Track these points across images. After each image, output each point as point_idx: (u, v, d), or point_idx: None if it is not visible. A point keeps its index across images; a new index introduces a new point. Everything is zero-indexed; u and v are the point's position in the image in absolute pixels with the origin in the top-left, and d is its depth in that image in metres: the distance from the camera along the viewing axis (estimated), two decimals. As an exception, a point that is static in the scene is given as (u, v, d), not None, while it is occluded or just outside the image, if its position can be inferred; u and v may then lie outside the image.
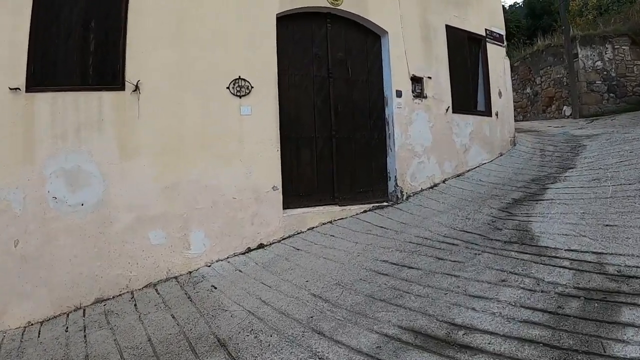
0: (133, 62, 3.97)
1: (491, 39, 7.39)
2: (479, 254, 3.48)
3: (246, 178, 4.46)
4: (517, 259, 3.23)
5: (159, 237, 3.90)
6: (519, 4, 19.34)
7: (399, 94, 5.77)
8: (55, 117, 3.67)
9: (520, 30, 17.39)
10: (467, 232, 4.17)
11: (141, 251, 3.81)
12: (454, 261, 3.44)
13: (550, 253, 3.22)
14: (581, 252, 3.11)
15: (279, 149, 4.81)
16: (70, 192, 3.63)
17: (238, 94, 4.60)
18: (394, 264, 3.64)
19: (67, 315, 3.43)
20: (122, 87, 3.92)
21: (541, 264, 3.06)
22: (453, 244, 3.86)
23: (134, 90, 3.94)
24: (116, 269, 3.70)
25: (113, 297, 3.64)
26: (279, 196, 4.73)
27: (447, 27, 6.59)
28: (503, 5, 9.00)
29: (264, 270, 3.91)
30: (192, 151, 4.16)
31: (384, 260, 3.75)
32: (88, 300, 3.60)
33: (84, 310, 3.50)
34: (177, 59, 4.17)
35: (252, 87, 4.66)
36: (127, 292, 3.72)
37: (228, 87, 4.55)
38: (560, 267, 2.95)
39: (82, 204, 3.65)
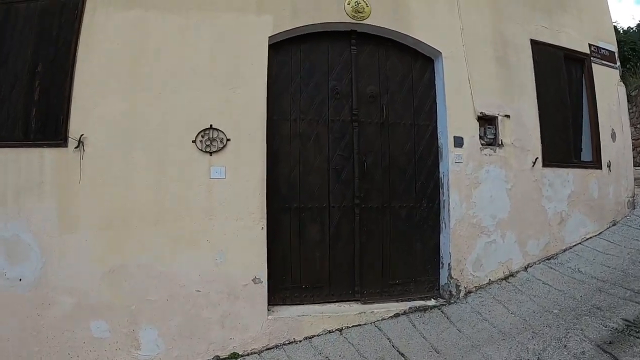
0: (78, 112, 3.24)
1: (598, 57, 5.18)
2: None
3: (215, 265, 3.29)
4: None
5: (101, 330, 3.14)
6: (633, 28, 16.25)
7: (459, 142, 3.89)
8: (-5, 177, 3.04)
9: (637, 53, 14.19)
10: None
11: (82, 342, 3.12)
12: None
13: None
14: None
15: (265, 226, 3.36)
16: (9, 264, 3.10)
17: (208, 149, 3.29)
18: None
19: None
20: (64, 143, 3.20)
21: None
22: None
23: (76, 147, 3.18)
24: (56, 357, 3.06)
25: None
26: (262, 291, 3.34)
27: (534, 42, 4.59)
28: (615, 27, 6.54)
29: None
30: (143, 227, 3.22)
31: None
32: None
33: None
34: (129, 106, 3.30)
35: (227, 140, 3.34)
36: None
37: (194, 141, 3.28)
38: None
39: (21, 279, 3.10)
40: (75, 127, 3.20)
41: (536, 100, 4.45)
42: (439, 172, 3.93)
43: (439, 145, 3.95)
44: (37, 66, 3.32)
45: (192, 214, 3.26)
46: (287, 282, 3.55)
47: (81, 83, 3.26)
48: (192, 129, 3.31)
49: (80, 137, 3.16)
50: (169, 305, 3.20)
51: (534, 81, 4.48)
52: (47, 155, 3.18)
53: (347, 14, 3.69)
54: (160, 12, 3.44)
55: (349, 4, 3.69)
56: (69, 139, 3.18)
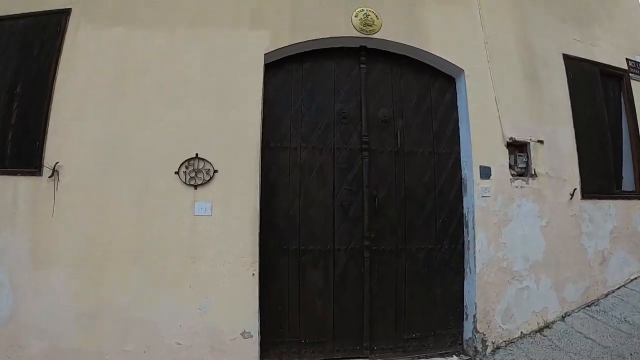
0: (55, 137, 2.97)
1: (637, 73, 4.62)
2: None
3: (199, 315, 2.88)
4: None
5: (71, 381, 2.69)
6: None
7: (486, 172, 3.35)
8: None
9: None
10: None
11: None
12: None
13: None
14: None
15: (257, 272, 2.91)
16: (-18, 299, 2.75)
17: (192, 182, 2.92)
18: None
19: None
20: (39, 172, 2.92)
21: None
22: None
23: (50, 176, 2.89)
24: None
25: None
26: (252, 346, 2.88)
27: (566, 57, 4.05)
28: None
29: None
30: (121, 265, 2.86)
31: None
32: None
33: None
34: (109, 132, 2.98)
35: (214, 172, 2.95)
36: None
37: (177, 172, 2.91)
38: None
39: (-8, 316, 2.74)
40: (51, 153, 2.92)
41: (572, 123, 3.89)
42: (462, 207, 3.38)
43: (463, 176, 3.40)
44: (17, 87, 3.08)
45: (174, 255, 2.87)
46: (284, 336, 3.04)
47: (60, 106, 2.99)
48: (175, 158, 2.94)
49: (54, 166, 2.87)
50: (146, 358, 2.78)
51: (569, 101, 3.93)
52: (22, 184, 2.90)
53: (355, 28, 3.22)
54: (145, 29, 3.12)
55: (356, 16, 3.23)
56: (44, 167, 2.89)
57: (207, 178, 2.90)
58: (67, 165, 2.90)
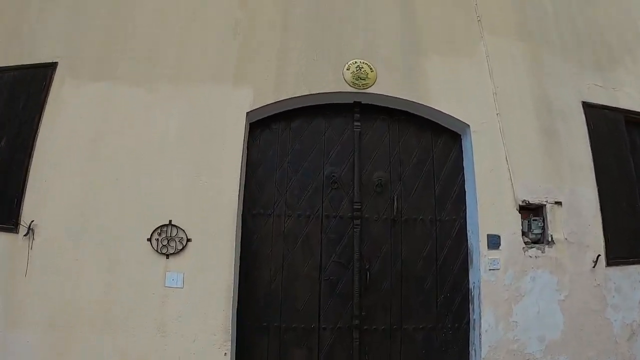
0: (34, 194, 2.85)
1: (668, 117, 4.17)
2: None
3: None
4: None
5: None
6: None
7: (494, 242, 2.99)
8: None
9: None
10: None
11: None
12: None
13: None
14: None
15: (230, 351, 2.65)
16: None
17: (164, 250, 2.72)
18: None
19: None
20: (15, 229, 2.81)
21: None
22: None
23: (25, 235, 2.76)
24: None
25: None
26: None
27: (586, 105, 3.64)
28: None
29: None
30: (89, 333, 2.67)
31: None
32: None
33: None
34: (85, 192, 2.85)
35: (187, 241, 2.75)
36: None
37: (150, 239, 2.73)
38: None
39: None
40: (29, 211, 2.79)
41: (594, 179, 3.46)
42: (468, 282, 3.00)
43: (469, 246, 3.04)
44: (1, 140, 3.02)
45: (143, 328, 2.67)
46: None
47: (40, 162, 2.88)
48: (148, 224, 2.76)
49: (30, 224, 2.74)
50: None
51: (591, 154, 3.50)
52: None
53: (347, 82, 2.94)
54: (128, 84, 3.00)
55: (348, 69, 2.96)
56: (20, 225, 2.77)
57: (180, 247, 2.71)
58: (43, 224, 2.76)
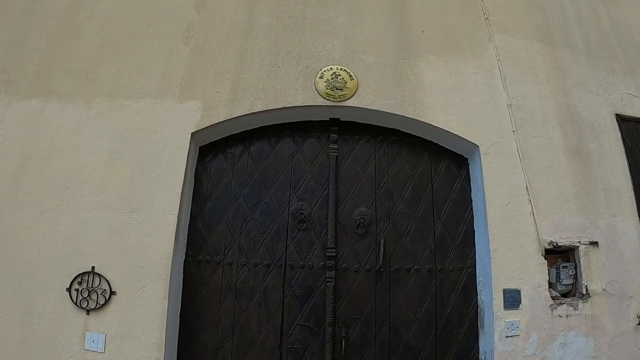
0: None
1: None
2: None
3: None
4: None
5: None
6: None
7: (512, 298, 2.30)
8: None
9: None
10: None
11: None
12: None
13: None
14: None
15: None
16: None
17: (84, 304, 2.17)
18: None
19: None
20: None
21: None
22: None
23: None
24: None
25: None
26: None
27: (620, 118, 2.96)
28: None
29: None
30: None
31: None
32: None
33: None
34: (4, 230, 2.33)
35: (111, 294, 2.18)
36: None
37: (69, 289, 2.18)
38: None
39: None
40: None
41: (636, 209, 2.75)
42: (477, 352, 2.30)
43: (479, 305, 2.34)
44: None
45: None
46: None
47: None
48: (68, 270, 2.23)
49: None
50: None
51: (630, 178, 2.81)
52: None
53: (320, 94, 2.32)
54: (60, 100, 2.52)
55: (321, 77, 2.34)
56: None
57: (102, 301, 2.15)
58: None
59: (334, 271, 2.23)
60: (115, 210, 2.26)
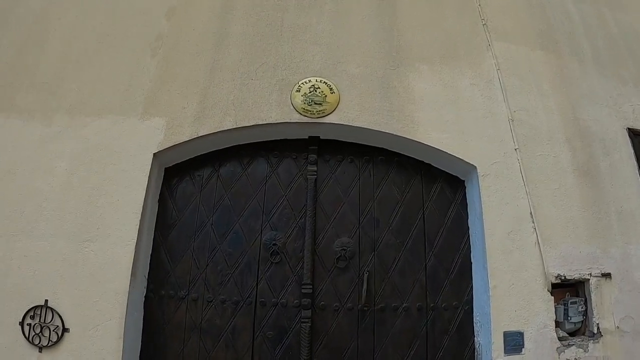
0: None
1: None
2: None
3: None
4: None
5: None
6: None
7: (514, 341, 2.03)
8: None
9: None
10: None
11: None
12: None
13: None
14: None
15: None
16: None
17: (37, 341, 1.96)
18: None
19: None
20: None
21: None
22: None
23: None
24: None
25: None
26: None
27: (633, 132, 2.71)
28: None
29: None
30: None
31: None
32: None
33: None
34: None
35: (64, 331, 1.94)
36: None
37: (22, 323, 1.97)
38: None
39: None
40: None
41: (653, 234, 2.49)
42: (474, 404, 2.02)
43: (476, 347, 2.07)
44: None
45: None
46: None
47: None
48: (21, 303, 2.02)
49: None
50: None
51: (645, 198, 2.54)
52: None
53: (296, 109, 2.08)
54: (21, 117, 2.33)
55: (298, 90, 2.10)
56: None
57: (55, 339, 1.95)
58: None
59: (310, 310, 1.96)
60: (71, 238, 2.05)
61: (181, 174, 2.17)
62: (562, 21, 2.96)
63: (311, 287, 1.98)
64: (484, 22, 2.69)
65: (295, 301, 1.99)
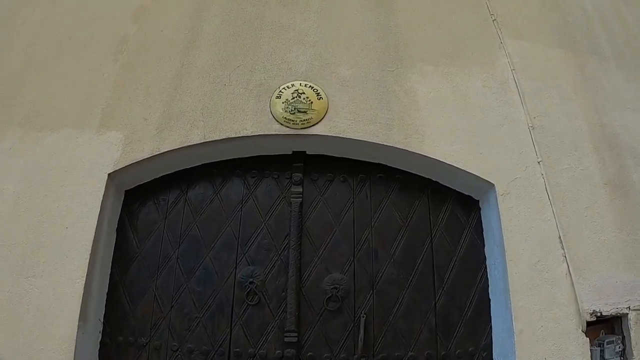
0: None
1: None
2: None
3: None
4: None
5: None
6: None
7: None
8: None
9: None
10: None
11: None
12: None
13: None
14: None
15: None
16: None
17: None
18: None
19: None
20: None
21: None
22: None
23: None
24: None
25: None
26: None
27: (666, 138, 2.37)
28: None
29: None
30: None
31: None
32: None
33: None
34: None
35: None
36: None
37: None
38: None
39: None
40: None
41: (698, 258, 2.13)
42: None
43: (497, 406, 1.71)
44: None
45: None
46: None
47: None
48: None
49: None
50: None
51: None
52: None
53: (276, 119, 1.75)
54: None
55: (279, 97, 1.79)
56: None
57: None
58: None
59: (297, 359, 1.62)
60: (17, 273, 1.74)
61: (143, 198, 1.85)
62: (578, 16, 2.64)
63: (296, 334, 1.63)
64: (493, 18, 2.38)
65: (277, 352, 1.64)
